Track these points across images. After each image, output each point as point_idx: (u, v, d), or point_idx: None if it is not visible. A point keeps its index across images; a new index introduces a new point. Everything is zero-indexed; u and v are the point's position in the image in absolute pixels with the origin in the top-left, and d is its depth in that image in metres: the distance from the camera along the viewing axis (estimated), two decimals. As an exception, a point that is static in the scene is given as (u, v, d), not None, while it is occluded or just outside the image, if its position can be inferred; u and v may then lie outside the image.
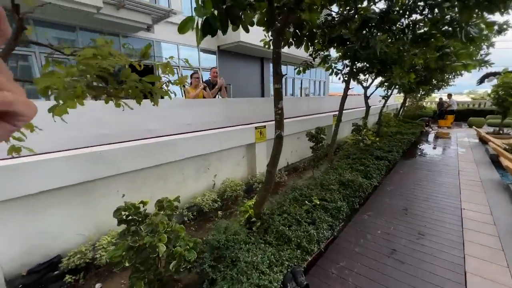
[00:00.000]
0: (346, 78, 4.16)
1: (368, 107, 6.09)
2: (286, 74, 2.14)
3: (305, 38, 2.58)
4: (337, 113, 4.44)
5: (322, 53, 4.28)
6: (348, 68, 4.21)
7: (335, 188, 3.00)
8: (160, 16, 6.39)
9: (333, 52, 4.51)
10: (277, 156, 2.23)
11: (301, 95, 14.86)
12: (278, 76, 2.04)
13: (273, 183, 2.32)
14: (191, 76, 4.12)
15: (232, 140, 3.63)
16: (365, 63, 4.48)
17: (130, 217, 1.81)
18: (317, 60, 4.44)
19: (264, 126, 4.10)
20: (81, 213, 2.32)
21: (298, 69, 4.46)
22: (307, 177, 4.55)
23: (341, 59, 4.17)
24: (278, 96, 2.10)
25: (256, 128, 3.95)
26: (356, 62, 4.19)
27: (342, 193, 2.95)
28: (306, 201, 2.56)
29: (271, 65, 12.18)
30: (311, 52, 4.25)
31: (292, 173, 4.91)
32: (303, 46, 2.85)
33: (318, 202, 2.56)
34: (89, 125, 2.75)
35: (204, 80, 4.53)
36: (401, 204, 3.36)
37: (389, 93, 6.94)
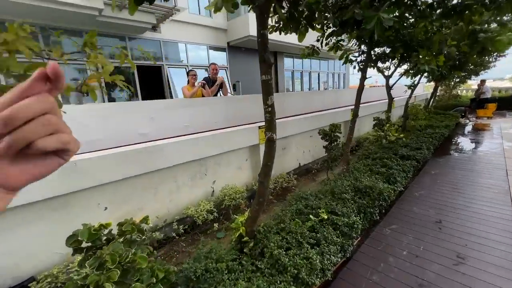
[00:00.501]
0: (361, 67, 3.60)
1: (391, 98, 5.40)
2: (274, 63, 1.72)
3: (302, 20, 2.12)
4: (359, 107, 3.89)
5: (332, 38, 3.74)
6: (365, 55, 3.64)
7: (349, 197, 2.52)
8: (164, 14, 6.21)
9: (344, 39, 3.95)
10: (269, 164, 1.83)
11: (318, 90, 14.12)
12: (266, 65, 1.64)
13: (267, 196, 1.92)
14: (187, 74, 3.83)
15: (231, 142, 3.27)
16: (385, 48, 3.87)
17: (89, 244, 1.53)
18: (322, 48, 3.91)
19: (269, 125, 3.69)
20: (58, 229, 2.11)
21: (302, 53, 3.95)
22: (320, 181, 4.07)
23: (356, 41, 3.61)
24: (266, 90, 1.69)
25: (260, 127, 3.55)
26: (374, 47, 3.60)
27: (358, 203, 2.46)
28: (311, 215, 2.13)
29: (285, 59, 11.64)
30: (319, 38, 3.74)
31: (304, 175, 4.45)
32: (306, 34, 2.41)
33: (326, 217, 2.11)
34: (74, 132, 2.55)
35: (204, 77, 4.21)
36: (433, 214, 2.78)
37: (415, 82, 6.14)
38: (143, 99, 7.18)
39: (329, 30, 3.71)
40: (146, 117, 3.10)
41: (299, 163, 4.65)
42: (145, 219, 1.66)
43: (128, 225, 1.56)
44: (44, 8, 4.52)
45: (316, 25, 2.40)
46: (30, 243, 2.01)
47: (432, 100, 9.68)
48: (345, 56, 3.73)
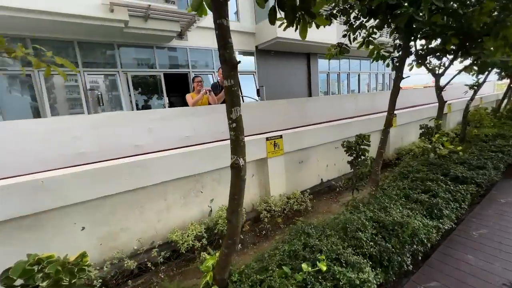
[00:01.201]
0: (397, 63, 2.86)
1: (442, 102, 4.36)
2: (240, 62, 1.28)
3: (301, 11, 1.62)
4: (402, 112, 3.15)
5: (361, 32, 3.08)
6: (401, 49, 2.89)
7: (367, 236, 1.89)
8: (187, 21, 6.21)
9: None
10: (236, 197, 1.38)
11: (359, 91, 12.86)
12: (228, 66, 1.21)
13: (238, 237, 1.47)
14: (193, 80, 3.59)
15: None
16: (431, 38, 3.04)
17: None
18: (351, 45, 3.25)
19: (280, 136, 3.20)
20: (31, 250, 1.99)
21: (328, 53, 3.36)
22: (344, 202, 3.40)
23: (390, 32, 2.88)
24: (231, 100, 1.27)
25: (267, 139, 3.09)
26: (413, 38, 2.82)
27: (380, 246, 1.82)
28: (305, 264, 1.60)
29: (319, 60, 10.86)
30: (345, 32, 3.12)
31: (326, 194, 3.81)
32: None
33: (325, 268, 1.56)
34: (63, 144, 2.49)
35: (212, 83, 3.93)
36: (499, 270, 1.93)
37: (480, 80, 4.90)
38: (170, 106, 7.33)
39: (325, 22, 3.07)
40: (144, 128, 2.93)
41: (321, 179, 4.01)
42: (82, 256, 1.37)
43: (53, 266, 1.28)
44: (71, 24, 4.83)
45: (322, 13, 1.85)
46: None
47: (505, 102, 7.80)
48: (375, 52, 3.03)
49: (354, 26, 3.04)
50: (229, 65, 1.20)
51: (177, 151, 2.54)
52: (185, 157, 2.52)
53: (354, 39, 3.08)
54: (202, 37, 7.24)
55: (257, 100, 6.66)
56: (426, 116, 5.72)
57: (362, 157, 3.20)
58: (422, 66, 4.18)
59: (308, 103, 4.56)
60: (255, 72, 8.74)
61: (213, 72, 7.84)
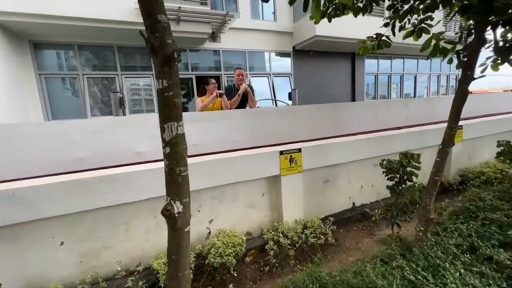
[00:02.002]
0: (464, 59, 2.03)
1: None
2: (180, 57, 0.82)
3: None
4: (471, 123, 2.31)
5: (411, 17, 2.34)
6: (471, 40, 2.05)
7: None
8: (219, 23, 6.03)
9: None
10: (174, 257, 0.93)
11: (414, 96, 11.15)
12: (157, 57, 0.78)
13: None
14: (207, 83, 3.25)
15: (238, 170, 2.44)
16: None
17: None
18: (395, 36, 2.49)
19: (298, 150, 2.64)
20: (5, 263, 1.87)
21: (361, 47, 2.68)
22: (380, 237, 2.66)
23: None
24: (164, 110, 0.84)
25: (281, 153, 2.56)
26: (492, 23, 1.95)
27: None
28: None
29: (366, 60, 9.68)
30: (387, 20, 2.42)
31: (358, 223, 3.07)
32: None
33: None
34: (61, 149, 2.39)
35: (227, 86, 3.55)
36: None
37: None
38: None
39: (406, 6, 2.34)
40: (144, 134, 2.70)
41: (353, 203, 3.28)
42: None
43: None
44: (108, 30, 5.04)
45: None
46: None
47: None
48: (432, 44, 2.24)
49: (401, 12, 2.31)
50: (159, 56, 0.76)
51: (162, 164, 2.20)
52: (177, 171, 2.17)
53: (401, 28, 2.34)
54: (234, 38, 7.03)
55: (287, 105, 6.12)
56: (508, 129, 4.39)
57: (408, 183, 2.43)
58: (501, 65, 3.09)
59: (342, 109, 3.85)
60: (291, 74, 8.17)
61: (246, 74, 7.55)
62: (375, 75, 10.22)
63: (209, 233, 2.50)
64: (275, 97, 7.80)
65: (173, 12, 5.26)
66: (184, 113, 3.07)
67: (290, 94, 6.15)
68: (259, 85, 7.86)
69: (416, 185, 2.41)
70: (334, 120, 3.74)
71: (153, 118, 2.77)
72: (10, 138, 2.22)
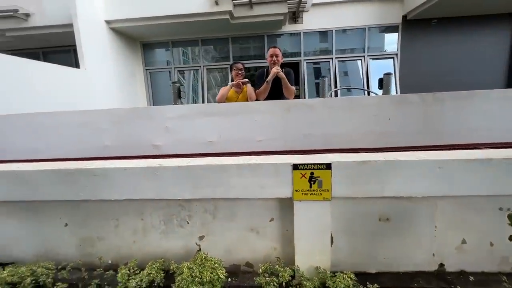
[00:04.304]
0: None
1: None
2: None
3: None
4: None
5: None
6: None
7: None
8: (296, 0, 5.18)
9: None
10: None
11: None
12: None
13: None
14: (230, 68, 2.70)
15: (230, 184, 1.83)
16: None
17: None
18: None
19: (326, 166, 1.71)
20: (30, 229, 2.18)
21: None
22: None
23: None
24: None
25: (296, 167, 1.73)
26: None
27: None
28: None
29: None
30: None
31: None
32: None
33: None
34: (93, 136, 2.61)
35: (258, 71, 2.82)
36: None
37: None
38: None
39: None
40: (160, 127, 2.54)
41: (440, 264, 1.92)
42: None
43: None
44: (189, 24, 5.33)
45: None
46: (11, 234, 2.20)
47: None
48: None
49: None
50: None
51: (143, 163, 1.90)
52: (154, 173, 1.84)
53: None
54: (319, 16, 5.92)
55: (376, 94, 4.59)
56: None
57: None
58: None
59: (446, 103, 2.33)
60: (396, 54, 6.14)
61: (331, 58, 6.30)
62: None
63: (199, 250, 2.07)
64: (368, 86, 6.14)
65: (244, -3, 4.95)
66: (199, 105, 2.71)
67: (381, 80, 4.59)
68: (348, 71, 6.44)
69: None
70: (426, 120, 2.32)
71: (170, 110, 2.57)
72: (56, 125, 2.60)
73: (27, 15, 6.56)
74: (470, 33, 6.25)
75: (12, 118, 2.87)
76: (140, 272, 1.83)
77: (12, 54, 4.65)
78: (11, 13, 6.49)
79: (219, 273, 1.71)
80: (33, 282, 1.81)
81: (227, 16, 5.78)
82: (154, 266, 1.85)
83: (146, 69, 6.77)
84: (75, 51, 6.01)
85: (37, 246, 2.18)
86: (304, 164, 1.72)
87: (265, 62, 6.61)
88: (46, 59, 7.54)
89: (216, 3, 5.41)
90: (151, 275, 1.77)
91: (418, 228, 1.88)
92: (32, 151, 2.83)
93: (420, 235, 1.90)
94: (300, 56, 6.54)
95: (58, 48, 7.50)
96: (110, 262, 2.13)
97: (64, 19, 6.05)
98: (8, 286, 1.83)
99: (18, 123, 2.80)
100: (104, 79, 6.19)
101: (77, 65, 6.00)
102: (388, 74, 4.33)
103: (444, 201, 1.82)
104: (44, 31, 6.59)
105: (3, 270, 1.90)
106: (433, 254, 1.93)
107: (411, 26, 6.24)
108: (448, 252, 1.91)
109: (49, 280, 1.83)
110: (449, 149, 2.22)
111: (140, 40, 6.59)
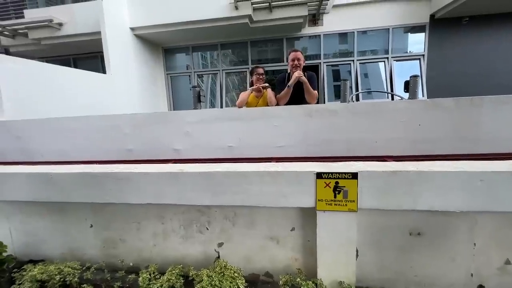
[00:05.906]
0: None
1: None
2: None
3: None
4: None
5: None
6: None
7: None
8: (317, 2, 5.08)
9: None
10: None
11: None
12: None
13: None
14: (251, 72, 2.67)
15: (250, 191, 1.79)
16: None
17: None
18: None
19: (352, 176, 1.62)
20: (58, 229, 2.28)
21: None
22: None
23: None
24: None
25: (320, 176, 1.66)
26: None
27: None
28: None
29: None
30: None
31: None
32: None
33: None
34: (117, 140, 2.68)
35: (279, 75, 2.76)
36: None
37: None
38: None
39: None
40: (180, 131, 2.57)
41: (479, 286, 1.75)
42: None
43: None
44: (208, 28, 5.41)
45: None
46: (43, 232, 2.32)
47: None
48: None
49: None
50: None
51: (165, 168, 1.91)
52: (175, 178, 1.84)
53: None
54: (340, 18, 5.77)
55: (401, 98, 4.37)
56: None
57: None
58: None
59: (484, 108, 2.15)
60: (422, 55, 5.83)
61: (352, 60, 6.11)
62: None
63: (218, 257, 2.04)
64: (392, 89, 5.87)
65: (264, 1, 4.93)
66: (219, 110, 2.71)
67: (407, 83, 4.36)
68: (370, 73, 6.21)
69: None
70: (461, 127, 2.14)
71: (189, 115, 2.59)
72: (82, 129, 2.71)
73: (60, 24, 7.03)
74: (505, 31, 5.79)
75: (42, 122, 3.05)
76: (160, 277, 1.83)
77: (46, 61, 4.98)
78: (46, 23, 6.99)
79: (238, 283, 1.66)
80: (61, 280, 1.87)
81: (247, 20, 5.81)
82: (173, 272, 1.84)
83: (167, 74, 7.00)
84: (102, 57, 6.34)
85: (64, 245, 2.27)
86: (329, 173, 1.64)
87: (284, 65, 6.58)
88: (76, 65, 8.03)
89: (236, 8, 5.46)
90: (171, 280, 1.77)
91: (455, 245, 1.72)
92: (60, 153, 2.98)
93: (456, 253, 1.73)
94: (319, 58, 6.41)
95: (87, 54, 7.95)
96: (131, 264, 2.16)
97: (93, 27, 6.40)
98: (37, 284, 1.91)
99: (47, 127, 2.98)
100: (128, 84, 6.47)
101: (103, 70, 6.32)
102: (415, 76, 4.11)
103: (485, 216, 1.66)
104: (75, 39, 7.03)
105: (34, 267, 1.99)
106: (471, 274, 1.76)
107: (439, 25, 5.90)
108: (489, 273, 1.73)
109: (75, 279, 1.88)
110: (486, 159, 2.04)
111: (162, 45, 6.84)
